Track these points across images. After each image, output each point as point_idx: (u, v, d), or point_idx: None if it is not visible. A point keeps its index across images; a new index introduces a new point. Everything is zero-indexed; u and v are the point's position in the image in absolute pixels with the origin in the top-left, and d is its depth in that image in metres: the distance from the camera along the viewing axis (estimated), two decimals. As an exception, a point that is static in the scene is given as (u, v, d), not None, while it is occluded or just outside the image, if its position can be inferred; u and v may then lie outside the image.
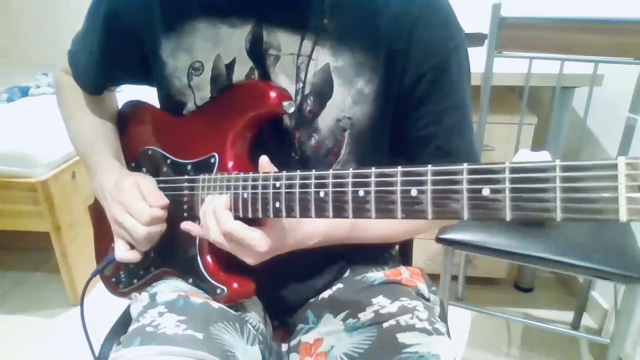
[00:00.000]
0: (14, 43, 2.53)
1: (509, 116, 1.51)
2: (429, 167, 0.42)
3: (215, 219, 0.57)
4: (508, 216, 0.38)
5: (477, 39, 1.70)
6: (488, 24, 1.32)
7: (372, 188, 0.46)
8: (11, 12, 2.47)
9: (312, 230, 0.62)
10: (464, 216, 0.40)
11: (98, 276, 0.83)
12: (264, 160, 0.57)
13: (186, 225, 0.64)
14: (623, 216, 0.33)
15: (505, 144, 1.52)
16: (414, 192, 0.43)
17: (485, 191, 0.39)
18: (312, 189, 0.50)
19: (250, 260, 0.58)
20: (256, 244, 0.55)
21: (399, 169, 0.44)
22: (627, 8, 1.45)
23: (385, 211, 0.45)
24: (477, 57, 1.43)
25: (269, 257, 0.59)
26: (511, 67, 1.40)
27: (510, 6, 1.30)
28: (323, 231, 0.63)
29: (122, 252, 0.68)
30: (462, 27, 0.64)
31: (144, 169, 0.76)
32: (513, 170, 0.37)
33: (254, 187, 0.56)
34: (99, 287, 0.83)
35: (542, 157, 1.25)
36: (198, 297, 0.63)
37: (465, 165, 0.40)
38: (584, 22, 1.26)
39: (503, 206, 0.38)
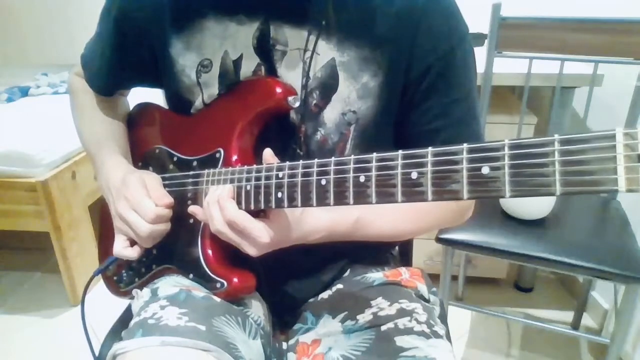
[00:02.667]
0: (14, 43, 2.53)
1: (509, 116, 1.51)
2: (429, 149, 0.42)
3: (219, 207, 0.58)
4: (507, 194, 0.38)
5: (477, 39, 1.69)
6: (488, 24, 1.32)
7: (373, 173, 0.46)
8: (11, 12, 2.47)
9: (316, 224, 0.62)
10: (463, 195, 0.40)
11: (97, 277, 0.83)
12: (268, 152, 0.57)
13: (193, 209, 0.64)
14: (622, 186, 0.33)
15: (505, 144, 1.51)
16: (414, 174, 0.43)
17: (485, 169, 0.39)
18: (314, 177, 0.51)
19: (251, 252, 0.58)
20: (258, 234, 0.56)
21: (400, 152, 0.44)
22: (627, 8, 1.45)
23: (385, 195, 0.45)
24: (477, 57, 1.43)
25: (271, 249, 0.59)
26: (511, 67, 1.40)
27: (510, 6, 1.30)
28: (327, 226, 0.63)
29: (120, 249, 0.68)
30: (466, 21, 0.64)
31: (150, 168, 0.77)
32: (512, 147, 0.37)
33: (257, 178, 0.57)
34: (99, 288, 0.83)
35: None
36: (200, 291, 0.63)
37: (465, 145, 0.40)
38: (584, 22, 1.26)
39: (502, 183, 0.38)
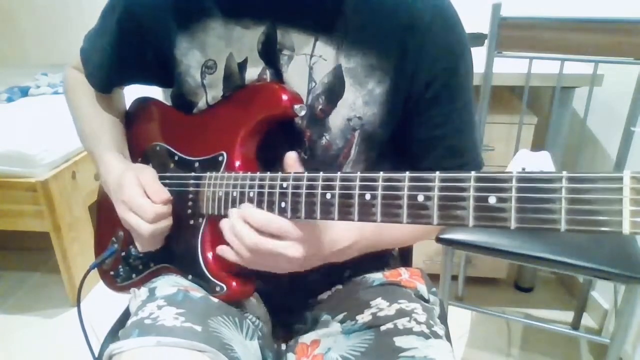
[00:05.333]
0: (14, 43, 2.53)
1: (509, 116, 1.51)
2: (437, 174, 0.43)
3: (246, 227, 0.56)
4: (513, 225, 0.38)
5: (477, 39, 1.69)
6: (488, 24, 1.32)
7: (379, 192, 0.46)
8: (11, 12, 2.47)
9: (344, 233, 0.60)
10: (469, 223, 0.41)
11: (97, 278, 0.83)
12: (291, 157, 0.56)
13: (222, 251, 0.62)
14: (626, 229, 0.34)
15: (505, 144, 1.52)
16: (420, 197, 0.43)
17: (492, 199, 0.39)
18: (319, 191, 0.51)
19: (288, 267, 0.57)
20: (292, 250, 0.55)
21: (407, 174, 0.45)
22: (627, 8, 1.44)
23: (390, 215, 0.46)
24: (477, 57, 1.43)
25: (306, 265, 0.58)
26: (511, 67, 1.40)
27: (510, 6, 1.30)
28: (355, 235, 0.61)
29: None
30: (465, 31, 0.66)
31: (150, 165, 0.76)
32: (520, 180, 0.38)
33: (261, 186, 0.57)
34: (98, 287, 0.83)
35: (542, 157, 1.25)
36: (197, 292, 0.63)
37: (472, 174, 0.41)
38: (584, 22, 1.26)
39: (509, 215, 0.38)
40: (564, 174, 0.36)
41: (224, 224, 0.59)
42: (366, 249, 0.65)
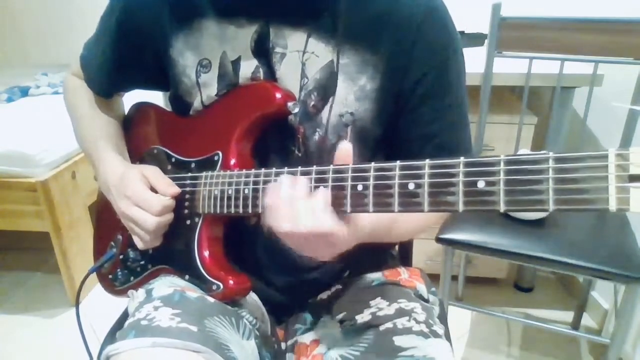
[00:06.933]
0: (14, 43, 2.53)
1: (509, 116, 1.51)
2: (427, 162, 0.43)
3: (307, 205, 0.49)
4: (502, 208, 0.39)
5: (477, 39, 1.70)
6: (488, 24, 1.31)
7: (371, 182, 0.47)
8: (11, 12, 2.47)
9: (362, 218, 0.56)
10: (459, 208, 0.41)
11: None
12: (344, 149, 0.51)
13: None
14: (613, 205, 0.34)
15: (505, 144, 1.52)
16: (411, 185, 0.44)
17: (481, 184, 0.40)
18: (313, 184, 0.51)
19: (327, 254, 0.53)
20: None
21: (397, 163, 0.45)
22: (627, 8, 1.44)
23: (382, 204, 0.46)
24: (477, 57, 1.43)
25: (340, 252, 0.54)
26: (511, 67, 1.40)
27: (510, 6, 1.30)
28: (371, 220, 0.57)
29: (142, 242, 0.68)
30: (457, 31, 0.67)
31: None
32: (508, 163, 0.39)
33: (256, 182, 0.57)
34: (98, 288, 0.83)
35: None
36: (194, 292, 0.63)
37: (461, 159, 0.41)
38: (584, 22, 1.26)
39: (498, 198, 0.39)
40: (551, 154, 0.37)
41: (273, 189, 0.52)
42: (380, 238, 0.64)
